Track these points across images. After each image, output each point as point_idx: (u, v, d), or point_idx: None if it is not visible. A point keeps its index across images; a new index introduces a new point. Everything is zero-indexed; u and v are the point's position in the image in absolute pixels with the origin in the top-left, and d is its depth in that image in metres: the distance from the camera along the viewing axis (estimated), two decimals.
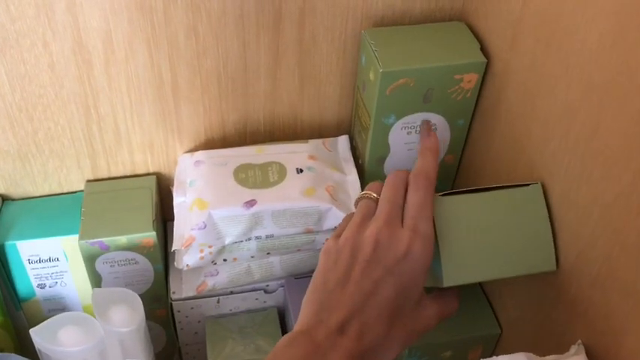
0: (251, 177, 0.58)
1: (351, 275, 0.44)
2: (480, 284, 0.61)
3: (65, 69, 0.55)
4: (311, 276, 0.61)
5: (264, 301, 0.64)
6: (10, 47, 0.53)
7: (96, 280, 0.60)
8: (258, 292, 0.63)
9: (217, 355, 0.61)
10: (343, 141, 0.65)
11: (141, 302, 0.55)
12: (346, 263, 0.44)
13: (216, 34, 0.56)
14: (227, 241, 0.56)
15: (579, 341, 0.45)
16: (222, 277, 0.60)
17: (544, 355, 0.44)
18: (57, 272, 0.62)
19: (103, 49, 0.55)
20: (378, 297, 0.43)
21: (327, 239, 0.53)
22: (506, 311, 0.58)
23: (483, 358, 0.50)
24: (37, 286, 0.63)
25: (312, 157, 0.60)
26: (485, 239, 0.47)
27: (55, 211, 0.62)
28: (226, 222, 0.56)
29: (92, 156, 0.62)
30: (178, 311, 0.63)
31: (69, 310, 0.65)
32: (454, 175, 0.64)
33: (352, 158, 0.63)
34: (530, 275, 0.48)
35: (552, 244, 0.47)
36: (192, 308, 0.63)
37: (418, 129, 0.58)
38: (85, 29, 0.53)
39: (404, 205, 0.46)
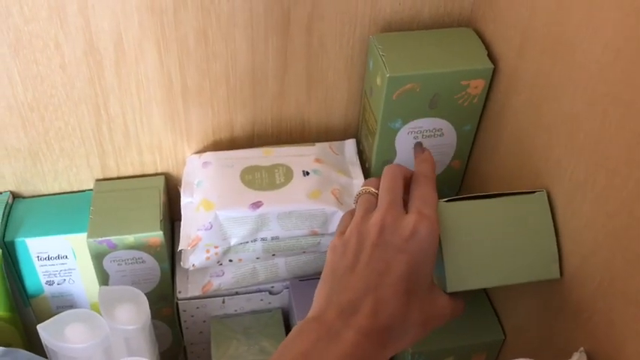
0: (258, 179, 0.59)
1: (359, 260, 0.43)
2: (485, 290, 0.61)
3: (76, 70, 0.56)
4: (316, 278, 0.62)
5: (269, 303, 0.65)
6: (23, 48, 0.54)
7: (103, 278, 0.61)
8: (263, 293, 0.64)
9: (222, 356, 0.61)
10: (350, 145, 0.65)
11: (147, 301, 0.56)
12: (354, 250, 0.44)
13: (225, 37, 0.57)
14: (233, 241, 0.57)
15: (581, 349, 0.45)
16: (227, 278, 0.61)
17: None
18: (65, 269, 0.63)
19: (114, 50, 0.56)
20: (391, 274, 0.42)
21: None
22: (511, 317, 0.58)
23: None
24: (46, 283, 0.64)
25: (318, 160, 0.61)
26: (489, 246, 0.47)
27: (64, 210, 0.63)
28: (232, 223, 0.56)
29: (102, 156, 0.63)
30: (184, 310, 0.63)
31: (76, 307, 0.66)
32: (460, 180, 0.64)
33: (359, 162, 0.64)
34: (534, 282, 0.48)
35: (557, 252, 0.47)
36: (197, 308, 0.63)
37: (425, 133, 0.58)
38: (96, 31, 0.54)
39: (405, 199, 0.46)
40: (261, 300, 0.64)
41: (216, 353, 0.61)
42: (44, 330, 0.54)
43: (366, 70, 0.60)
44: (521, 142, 0.52)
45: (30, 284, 0.63)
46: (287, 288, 0.64)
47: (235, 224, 0.56)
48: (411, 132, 0.58)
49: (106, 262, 0.60)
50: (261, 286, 0.64)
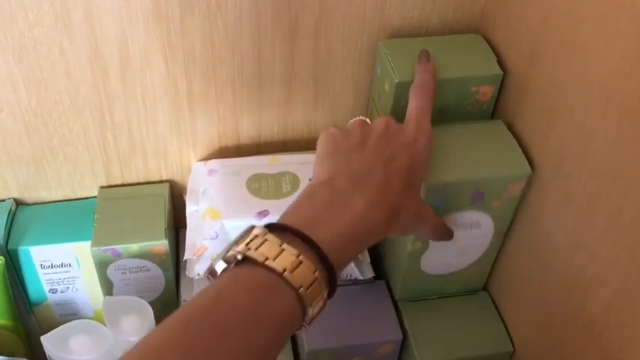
0: (264, 187, 0.58)
1: (367, 144, 0.45)
2: (493, 301, 0.61)
3: (81, 76, 0.56)
4: None
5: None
6: (27, 54, 0.54)
7: (107, 287, 0.61)
8: None
9: None
10: None
11: (152, 311, 0.55)
12: (359, 137, 0.46)
13: (232, 44, 0.56)
14: None
15: None
16: None
17: None
18: (69, 277, 0.62)
19: (119, 57, 0.55)
20: (395, 163, 0.44)
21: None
22: (520, 329, 0.57)
23: None
24: (49, 291, 0.63)
25: None
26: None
27: (68, 217, 0.62)
28: (239, 232, 0.55)
29: (106, 162, 0.62)
30: None
31: (80, 315, 0.65)
32: None
33: None
34: (544, 294, 0.47)
35: (522, 156, 0.51)
36: None
37: None
38: (101, 37, 0.54)
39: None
40: None
41: None
42: (48, 341, 0.53)
43: (374, 76, 0.60)
44: (530, 151, 0.51)
45: (33, 292, 0.63)
46: None
47: None
48: None
49: (110, 271, 0.59)
50: None
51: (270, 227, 0.39)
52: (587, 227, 0.45)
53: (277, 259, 0.36)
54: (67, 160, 0.61)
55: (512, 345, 0.58)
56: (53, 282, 0.62)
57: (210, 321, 0.33)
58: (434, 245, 0.55)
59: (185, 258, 0.56)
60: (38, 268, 0.61)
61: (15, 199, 0.63)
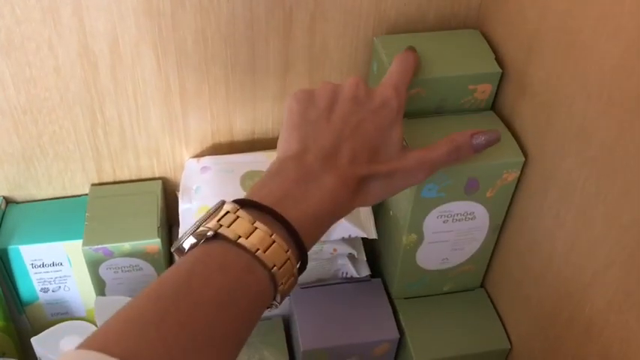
0: None
1: (334, 110, 0.44)
2: (491, 299, 0.60)
3: (71, 72, 0.55)
4: (317, 286, 0.61)
5: (269, 311, 0.63)
6: (15, 50, 0.52)
7: (99, 286, 0.60)
8: None
9: None
10: None
11: None
12: (327, 101, 0.45)
13: (224, 39, 0.55)
14: None
15: None
16: None
17: None
18: (60, 276, 0.61)
19: (110, 52, 0.54)
20: (362, 130, 0.43)
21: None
22: (517, 327, 0.57)
23: None
24: (40, 290, 0.62)
25: None
26: None
27: (59, 215, 0.61)
28: None
29: (97, 159, 0.61)
30: None
31: (72, 314, 0.64)
32: None
33: None
34: (542, 292, 0.47)
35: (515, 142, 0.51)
36: None
37: None
38: (91, 33, 0.52)
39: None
40: None
41: None
42: (38, 343, 0.52)
43: (369, 72, 0.59)
44: (528, 149, 0.51)
45: (24, 291, 0.62)
46: (287, 296, 0.62)
47: None
48: None
49: (102, 270, 0.58)
50: None
51: (241, 203, 0.38)
52: (586, 226, 0.44)
53: (250, 237, 0.36)
54: (58, 158, 0.60)
55: (510, 342, 0.57)
56: (44, 281, 0.61)
57: (185, 297, 0.33)
58: (429, 239, 0.54)
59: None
60: (29, 267, 0.60)
61: (5, 197, 0.62)
